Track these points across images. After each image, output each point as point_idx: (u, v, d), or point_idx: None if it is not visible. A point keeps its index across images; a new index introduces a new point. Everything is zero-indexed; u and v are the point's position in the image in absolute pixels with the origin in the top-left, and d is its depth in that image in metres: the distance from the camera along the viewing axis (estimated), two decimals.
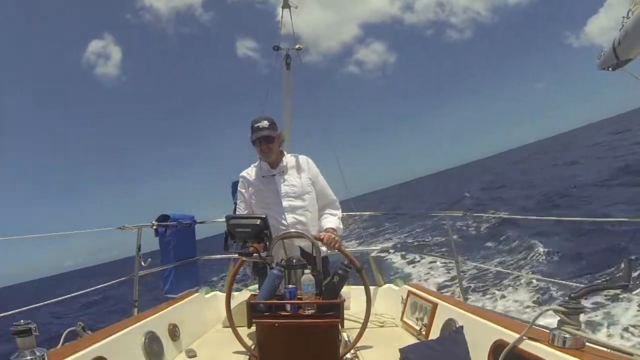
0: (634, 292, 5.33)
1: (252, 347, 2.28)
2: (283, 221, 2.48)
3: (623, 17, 1.24)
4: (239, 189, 2.66)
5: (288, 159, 2.59)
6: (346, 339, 2.61)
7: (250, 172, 2.63)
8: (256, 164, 2.63)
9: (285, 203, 2.50)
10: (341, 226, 2.60)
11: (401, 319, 3.02)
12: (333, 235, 2.35)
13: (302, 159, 2.63)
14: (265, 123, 2.43)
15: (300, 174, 2.56)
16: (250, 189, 2.60)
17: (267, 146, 2.45)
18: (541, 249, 9.24)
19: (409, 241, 14.97)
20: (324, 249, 2.39)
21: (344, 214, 4.68)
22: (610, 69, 1.40)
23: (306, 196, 2.53)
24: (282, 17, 4.81)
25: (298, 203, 2.51)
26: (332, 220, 2.56)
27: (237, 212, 2.67)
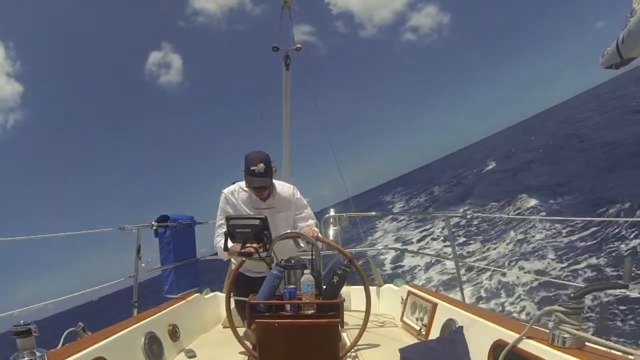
0: (634, 292, 5.33)
1: (252, 347, 2.28)
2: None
3: (627, 15, 1.25)
4: (222, 206, 2.52)
5: (277, 194, 2.56)
6: (346, 339, 2.61)
7: (236, 196, 2.54)
8: (246, 188, 2.52)
9: (274, 235, 2.45)
10: (315, 229, 2.62)
11: (401, 319, 3.02)
12: (313, 228, 2.47)
13: (289, 192, 2.61)
14: (261, 167, 2.34)
15: (289, 210, 2.60)
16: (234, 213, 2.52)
17: (262, 190, 2.44)
18: (541, 249, 9.25)
19: (409, 241, 14.97)
20: (302, 244, 2.53)
21: (344, 214, 4.71)
22: (613, 67, 1.40)
23: (291, 227, 2.60)
24: (281, 18, 4.83)
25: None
26: (309, 223, 2.64)
27: (217, 234, 2.52)
